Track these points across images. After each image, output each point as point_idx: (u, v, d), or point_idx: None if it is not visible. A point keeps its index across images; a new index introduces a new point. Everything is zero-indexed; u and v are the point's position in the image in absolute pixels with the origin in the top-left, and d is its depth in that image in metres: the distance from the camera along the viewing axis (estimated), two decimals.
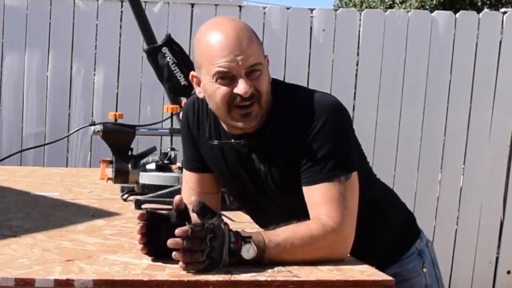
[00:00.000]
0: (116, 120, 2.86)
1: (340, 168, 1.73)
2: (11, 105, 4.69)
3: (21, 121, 4.71)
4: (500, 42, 4.90)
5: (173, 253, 1.50)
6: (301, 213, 1.72)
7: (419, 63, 4.84)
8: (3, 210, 2.24)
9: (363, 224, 1.77)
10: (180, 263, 1.51)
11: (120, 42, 4.75)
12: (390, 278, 1.54)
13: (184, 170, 2.05)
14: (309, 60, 4.83)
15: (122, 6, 4.69)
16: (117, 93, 4.76)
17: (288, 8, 4.84)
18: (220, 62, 1.73)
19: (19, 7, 4.65)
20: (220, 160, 1.92)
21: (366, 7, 14.96)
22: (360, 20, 4.83)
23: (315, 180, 1.73)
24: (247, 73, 1.74)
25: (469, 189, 4.92)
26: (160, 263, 1.58)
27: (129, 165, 2.66)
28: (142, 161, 2.67)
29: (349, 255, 1.71)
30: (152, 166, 2.63)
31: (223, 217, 1.64)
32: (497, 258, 5.01)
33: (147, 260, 1.61)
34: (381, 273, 1.58)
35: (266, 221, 1.83)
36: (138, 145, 3.52)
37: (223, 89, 1.75)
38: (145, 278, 1.46)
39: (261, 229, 1.78)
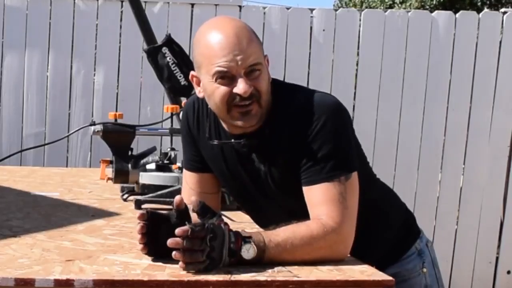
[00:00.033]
0: (116, 120, 2.86)
1: (340, 168, 1.74)
2: (11, 105, 4.69)
3: (21, 121, 4.71)
4: (500, 42, 4.90)
5: (173, 253, 1.50)
6: (301, 213, 1.72)
7: (419, 63, 4.84)
8: (3, 210, 2.24)
9: (363, 224, 1.77)
10: (180, 263, 1.51)
11: (120, 42, 4.75)
12: (390, 278, 1.54)
13: (184, 170, 2.05)
14: (309, 60, 4.83)
15: (122, 6, 4.69)
16: (117, 93, 4.76)
17: (288, 8, 4.84)
18: (220, 62, 1.73)
19: (19, 7, 4.65)
20: (220, 160, 1.92)
21: (366, 7, 14.96)
22: (360, 20, 4.83)
23: (315, 180, 1.74)
24: (247, 72, 1.74)
25: (469, 189, 4.92)
26: (160, 263, 1.58)
27: (129, 165, 2.66)
28: (142, 161, 2.67)
29: (349, 255, 1.71)
30: (152, 166, 2.63)
31: (223, 217, 1.64)
32: (497, 258, 5.01)
33: (147, 260, 1.61)
34: (381, 273, 1.58)
35: (266, 221, 1.83)
36: (138, 145, 3.52)
37: (222, 89, 1.75)
38: (145, 278, 1.46)
39: (261, 229, 1.78)
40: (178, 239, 1.50)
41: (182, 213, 1.63)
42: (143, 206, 2.26)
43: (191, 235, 1.50)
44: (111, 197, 2.61)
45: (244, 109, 1.76)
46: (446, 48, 4.84)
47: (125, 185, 2.65)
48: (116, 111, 3.82)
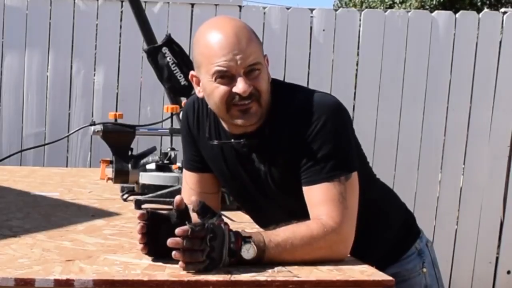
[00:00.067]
0: (116, 120, 2.86)
1: (340, 168, 1.74)
2: (11, 105, 4.69)
3: (21, 121, 4.71)
4: (500, 42, 4.90)
5: (173, 253, 1.50)
6: (301, 213, 1.72)
7: (419, 63, 4.84)
8: (3, 210, 2.24)
9: (363, 224, 1.77)
10: (180, 262, 1.51)
11: (120, 42, 4.75)
12: (390, 278, 1.54)
13: (184, 170, 2.05)
14: (309, 60, 4.83)
15: (122, 6, 4.69)
16: (117, 93, 4.76)
17: (288, 8, 4.84)
18: (219, 61, 1.73)
19: (19, 7, 4.65)
20: (220, 160, 1.92)
21: (366, 7, 14.96)
22: (360, 20, 4.83)
23: (315, 180, 1.74)
24: (246, 72, 1.74)
25: (469, 189, 4.92)
26: (160, 263, 1.58)
27: (129, 165, 2.66)
28: (142, 161, 2.67)
29: (349, 255, 1.71)
30: (152, 166, 2.63)
31: (223, 217, 1.64)
32: (497, 258, 5.01)
33: (147, 260, 1.61)
34: (381, 273, 1.58)
35: (266, 221, 1.83)
36: (138, 145, 3.52)
37: (222, 88, 1.75)
38: (145, 278, 1.46)
39: (261, 229, 1.78)
40: (178, 239, 1.50)
41: (182, 213, 1.63)
42: (143, 206, 2.26)
43: (191, 235, 1.50)
44: (111, 197, 2.61)
45: (244, 107, 1.76)
46: (446, 48, 4.84)
47: (125, 185, 2.65)
48: (116, 111, 3.82)
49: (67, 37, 4.68)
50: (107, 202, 2.48)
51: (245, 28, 1.78)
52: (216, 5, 4.73)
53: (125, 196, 2.54)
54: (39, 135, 4.68)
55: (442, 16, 4.90)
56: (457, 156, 4.91)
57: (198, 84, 1.84)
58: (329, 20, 4.81)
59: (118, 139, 2.76)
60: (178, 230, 1.50)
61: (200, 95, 1.86)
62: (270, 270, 1.54)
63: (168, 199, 2.24)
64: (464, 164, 4.93)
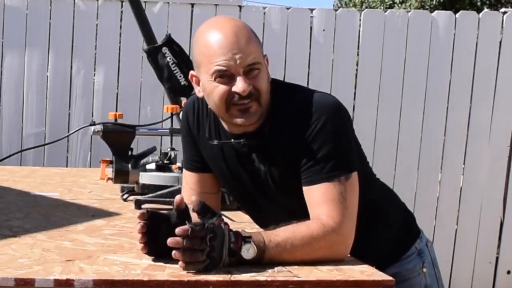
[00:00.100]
0: (116, 120, 2.86)
1: (340, 168, 1.74)
2: (11, 105, 4.70)
3: (21, 121, 4.71)
4: (500, 42, 4.90)
5: (173, 252, 1.50)
6: (301, 213, 1.72)
7: (419, 63, 4.84)
8: (3, 210, 2.24)
9: (363, 224, 1.77)
10: (180, 262, 1.51)
11: (120, 42, 4.75)
12: (390, 278, 1.54)
13: (184, 170, 2.05)
14: (309, 60, 4.83)
15: (122, 6, 4.69)
16: (117, 93, 4.76)
17: (288, 8, 4.84)
18: (219, 61, 1.73)
19: (19, 7, 4.65)
20: (220, 160, 1.92)
21: (366, 7, 14.95)
22: (360, 20, 4.83)
23: (315, 180, 1.74)
24: (246, 71, 1.74)
25: (469, 189, 4.92)
26: (160, 263, 1.58)
27: (129, 165, 2.66)
28: (142, 161, 2.67)
29: (349, 255, 1.71)
30: (152, 166, 2.63)
31: (223, 217, 1.64)
32: (497, 258, 5.01)
33: (147, 260, 1.61)
34: (381, 273, 1.58)
35: (266, 221, 1.83)
36: (138, 145, 3.53)
37: (221, 88, 1.75)
38: (145, 278, 1.46)
39: (261, 229, 1.78)
40: (178, 238, 1.50)
41: (182, 213, 1.63)
42: (143, 206, 2.26)
43: (191, 235, 1.50)
44: (111, 197, 2.61)
45: (243, 107, 1.76)
46: (446, 48, 4.84)
47: (125, 185, 2.65)
48: (116, 111, 3.82)
49: (67, 37, 4.68)
50: (107, 202, 2.48)
51: (245, 28, 1.78)
52: (216, 5, 4.73)
53: (125, 196, 2.54)
54: (39, 135, 4.68)
55: (442, 16, 4.90)
56: (457, 156, 4.91)
57: (198, 84, 1.84)
58: (329, 20, 4.81)
59: (118, 139, 2.76)
60: (178, 230, 1.50)
61: (200, 95, 1.86)
62: (270, 270, 1.54)
63: (168, 199, 2.24)
64: (464, 164, 4.93)
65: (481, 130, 4.89)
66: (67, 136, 4.19)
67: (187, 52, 3.12)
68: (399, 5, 14.79)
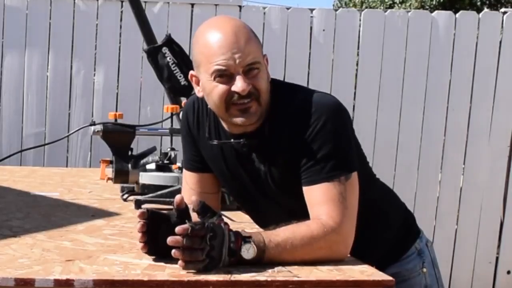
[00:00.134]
0: (116, 120, 2.86)
1: (340, 168, 1.74)
2: (11, 105, 4.70)
3: (21, 121, 4.71)
4: (500, 42, 4.90)
5: (173, 251, 1.50)
6: (301, 213, 1.72)
7: (419, 63, 4.85)
8: (3, 210, 2.24)
9: (363, 224, 1.77)
10: (180, 261, 1.50)
11: (120, 42, 4.75)
12: (390, 278, 1.54)
13: (184, 170, 2.06)
14: (309, 60, 4.83)
15: (122, 6, 4.69)
16: (117, 93, 4.76)
17: (288, 8, 4.84)
18: (218, 60, 1.73)
19: (19, 7, 4.65)
20: (220, 160, 1.92)
21: (366, 7, 14.95)
22: (360, 20, 4.83)
23: (315, 180, 1.74)
24: (245, 71, 1.74)
25: (469, 189, 4.92)
26: (160, 263, 1.58)
27: (129, 165, 2.66)
28: (142, 161, 2.67)
29: (349, 255, 1.71)
30: (152, 166, 2.63)
31: (223, 217, 1.64)
32: (497, 258, 5.01)
33: (147, 260, 1.61)
34: (381, 273, 1.58)
35: (266, 221, 1.83)
36: (138, 145, 3.53)
37: (221, 87, 1.75)
38: (145, 278, 1.46)
39: (261, 229, 1.78)
40: (178, 237, 1.50)
41: (183, 213, 1.63)
42: (143, 206, 2.26)
43: (191, 233, 1.50)
44: (111, 197, 2.61)
45: (243, 106, 1.76)
46: (446, 48, 4.84)
47: (125, 185, 2.65)
48: (116, 111, 3.82)
49: (67, 37, 4.68)
50: (107, 202, 2.48)
51: (244, 28, 1.78)
52: (216, 5, 4.73)
53: (125, 196, 2.54)
54: (39, 135, 4.68)
55: (442, 16, 4.90)
56: (457, 156, 4.91)
57: (197, 83, 1.85)
58: (329, 20, 4.81)
59: (118, 139, 2.77)
60: (178, 228, 1.50)
61: (199, 94, 1.86)
62: (270, 270, 1.54)
63: (168, 199, 2.24)
64: (464, 164, 4.93)
65: (481, 130, 4.89)
66: (67, 136, 4.19)
67: (187, 52, 3.12)
68: (399, 5, 14.78)
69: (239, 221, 2.08)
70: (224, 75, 1.74)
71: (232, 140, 1.86)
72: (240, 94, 1.74)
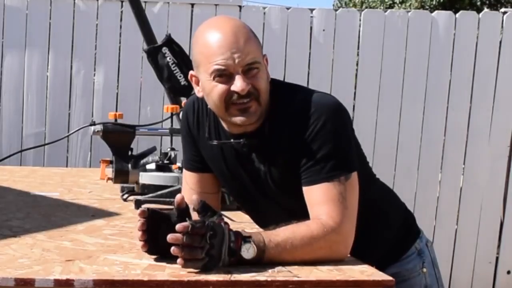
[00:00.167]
0: (116, 120, 2.86)
1: (340, 168, 1.74)
2: (11, 105, 4.70)
3: (21, 121, 4.71)
4: (500, 42, 4.90)
5: (172, 248, 1.49)
6: (301, 213, 1.72)
7: (419, 63, 4.85)
8: (3, 210, 2.24)
9: (363, 224, 1.77)
10: (179, 259, 1.50)
11: (120, 42, 4.75)
12: (390, 278, 1.54)
13: (184, 170, 2.06)
14: (309, 60, 4.83)
15: (122, 6, 4.69)
16: (117, 93, 4.76)
17: (288, 8, 4.84)
18: (217, 60, 1.73)
19: (19, 7, 4.65)
20: (220, 160, 1.92)
21: (366, 7, 14.95)
22: (360, 20, 4.83)
23: (315, 180, 1.74)
24: (244, 71, 1.74)
25: (469, 189, 4.92)
26: (160, 263, 1.58)
27: (129, 165, 2.66)
28: (142, 161, 2.67)
29: (349, 255, 1.71)
30: (152, 166, 2.63)
31: (223, 217, 1.64)
32: (497, 258, 5.01)
33: (147, 260, 1.61)
34: (381, 273, 1.58)
35: (266, 221, 1.83)
36: (138, 145, 3.52)
37: (220, 87, 1.75)
38: (145, 278, 1.46)
39: (261, 229, 1.78)
40: (178, 234, 1.49)
41: (183, 212, 1.63)
42: (143, 206, 2.26)
43: (191, 231, 1.49)
44: (111, 197, 2.61)
45: (243, 106, 1.76)
46: (446, 48, 4.84)
47: (125, 185, 2.65)
48: (116, 111, 3.82)
49: (67, 37, 4.68)
50: (107, 202, 2.48)
51: (244, 28, 1.78)
52: (216, 5, 4.73)
53: (125, 196, 2.54)
54: (39, 135, 4.68)
55: (442, 16, 4.90)
56: (457, 156, 4.91)
57: (197, 84, 1.85)
58: (329, 20, 4.81)
59: (118, 139, 2.77)
60: (178, 226, 1.50)
61: (199, 94, 1.86)
62: (270, 270, 1.54)
63: (168, 199, 2.24)
64: (464, 164, 4.93)
65: (481, 130, 4.89)
66: (67, 136, 4.19)
67: (187, 52, 3.12)
68: (399, 5, 14.78)
69: (239, 221, 2.08)
70: (224, 75, 1.74)
71: (232, 140, 1.86)
72: (240, 93, 1.74)
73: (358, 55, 4.91)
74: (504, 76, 4.87)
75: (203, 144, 1.95)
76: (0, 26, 4.66)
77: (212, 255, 1.51)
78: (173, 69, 2.98)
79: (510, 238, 4.99)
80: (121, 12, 4.71)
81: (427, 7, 13.78)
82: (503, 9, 5.36)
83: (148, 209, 1.62)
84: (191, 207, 1.64)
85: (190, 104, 1.99)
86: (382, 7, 14.87)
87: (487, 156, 4.89)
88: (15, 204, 2.39)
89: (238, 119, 1.78)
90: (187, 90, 2.88)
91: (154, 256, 1.62)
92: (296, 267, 1.58)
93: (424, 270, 2.05)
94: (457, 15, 4.88)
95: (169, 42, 3.01)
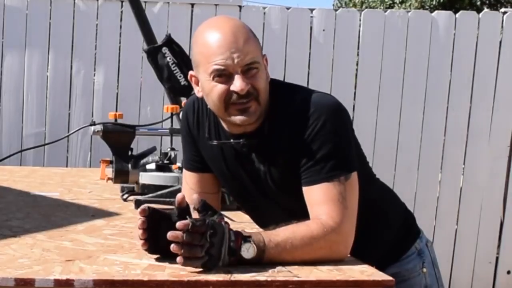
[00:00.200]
0: (116, 120, 2.86)
1: (340, 168, 1.74)
2: (11, 105, 4.70)
3: (21, 121, 4.71)
4: (500, 42, 4.90)
5: (172, 245, 1.49)
6: (301, 213, 1.72)
7: (419, 63, 4.85)
8: (3, 210, 2.24)
9: (363, 224, 1.77)
10: (178, 258, 1.50)
11: (120, 42, 4.75)
12: (390, 278, 1.54)
13: (184, 170, 2.06)
14: (309, 60, 4.83)
15: (122, 6, 4.69)
16: (117, 93, 4.76)
17: (288, 8, 4.84)
18: (217, 60, 1.73)
19: (19, 7, 4.65)
20: (220, 160, 1.92)
21: (366, 7, 14.95)
22: (360, 20, 4.83)
23: (315, 180, 1.74)
24: (244, 71, 1.74)
25: (469, 189, 4.92)
26: (160, 263, 1.58)
27: (129, 165, 2.66)
28: (142, 161, 2.67)
29: (349, 255, 1.71)
30: (152, 166, 2.63)
31: (223, 216, 1.64)
32: (497, 258, 5.01)
33: (147, 260, 1.61)
34: (381, 273, 1.58)
35: (266, 221, 1.83)
36: (138, 145, 3.52)
37: (220, 87, 1.75)
38: (145, 278, 1.46)
39: (261, 229, 1.78)
40: (178, 232, 1.49)
41: (184, 211, 1.63)
42: (143, 205, 2.26)
43: (191, 229, 1.49)
44: (111, 197, 2.61)
45: (242, 106, 1.76)
46: (446, 48, 4.84)
47: (125, 185, 2.65)
48: (116, 111, 3.82)
49: (67, 37, 4.68)
50: (107, 202, 2.48)
51: (243, 28, 1.78)
52: (216, 5, 4.73)
53: (125, 196, 2.54)
54: (39, 135, 4.68)
55: (442, 16, 4.90)
56: (457, 156, 4.91)
57: (197, 84, 1.85)
58: (329, 20, 4.81)
59: (118, 139, 2.77)
60: (179, 224, 1.50)
61: (199, 95, 1.86)
62: (270, 270, 1.54)
63: (168, 199, 2.24)
64: (464, 164, 4.93)
65: (481, 130, 4.89)
66: (67, 136, 4.19)
67: (187, 52, 3.12)
68: (399, 5, 14.78)
69: (239, 221, 2.08)
70: (223, 75, 1.74)
71: (231, 140, 1.86)
72: (239, 93, 1.74)
73: (358, 55, 4.91)
74: (504, 76, 4.87)
75: (203, 144, 1.95)
76: (0, 26, 4.66)
77: (211, 254, 1.51)
78: (173, 69, 2.98)
79: (510, 238, 4.99)
80: (121, 12, 4.71)
81: (427, 7, 13.78)
82: (503, 9, 5.36)
83: (149, 207, 1.62)
84: (191, 207, 1.64)
85: (190, 104, 1.99)
86: (382, 7, 14.86)
87: (487, 156, 4.89)
88: (15, 204, 2.39)
89: (238, 119, 1.78)
90: (187, 90, 2.88)
91: (154, 256, 1.62)
92: (296, 267, 1.58)
93: (424, 270, 2.06)
94: (457, 15, 4.88)
95: (169, 42, 3.01)
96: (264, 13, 4.81)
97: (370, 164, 2.07)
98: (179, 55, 3.00)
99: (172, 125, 2.80)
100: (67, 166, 4.61)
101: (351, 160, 1.78)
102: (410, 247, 2.06)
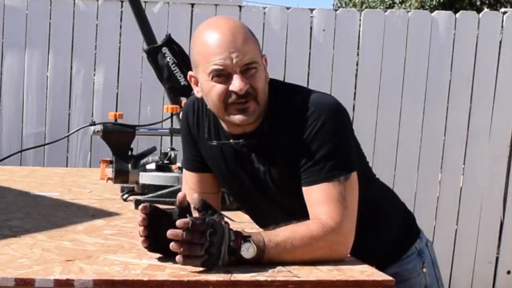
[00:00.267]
0: (116, 120, 2.86)
1: (339, 168, 1.74)
2: (11, 105, 4.70)
3: (21, 121, 4.71)
4: (500, 42, 4.90)
5: (171, 244, 1.49)
6: (301, 213, 1.72)
7: (419, 63, 4.85)
8: (3, 210, 2.24)
9: (362, 224, 1.77)
10: (178, 257, 1.50)
11: (120, 42, 4.75)
12: (390, 278, 1.54)
13: (184, 170, 2.06)
14: (309, 60, 4.83)
15: (122, 6, 4.69)
16: (117, 93, 4.76)
17: (288, 8, 4.84)
18: (216, 60, 1.73)
19: (19, 7, 4.65)
20: (220, 160, 1.92)
21: (366, 7, 14.95)
22: (360, 20, 4.83)
23: (315, 180, 1.74)
24: (242, 71, 1.74)
25: (469, 189, 4.92)
26: (160, 263, 1.58)
27: (129, 165, 2.66)
28: (142, 161, 2.67)
29: (349, 255, 1.71)
30: (152, 166, 2.63)
31: (223, 216, 1.64)
32: (497, 258, 5.01)
33: (147, 260, 1.61)
34: (381, 273, 1.58)
35: (266, 221, 1.83)
36: (138, 145, 3.52)
37: (219, 87, 1.75)
38: (145, 278, 1.46)
39: (261, 229, 1.78)
40: (178, 230, 1.49)
41: (184, 211, 1.63)
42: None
43: (191, 228, 1.49)
44: (111, 197, 2.61)
45: (241, 106, 1.76)
46: (446, 48, 4.84)
47: (125, 185, 2.65)
48: (116, 111, 3.82)
49: (67, 37, 4.68)
50: (107, 202, 2.48)
51: (242, 28, 1.78)
52: (216, 5, 4.73)
53: (125, 196, 2.54)
54: (39, 135, 4.68)
55: (442, 16, 4.90)
56: (457, 156, 4.91)
57: (196, 84, 1.85)
58: (329, 20, 4.81)
59: (118, 139, 2.77)
60: (179, 222, 1.49)
61: (198, 95, 1.86)
62: (270, 270, 1.54)
63: (168, 199, 2.24)
64: (464, 164, 4.93)
65: (481, 130, 4.89)
66: (67, 136, 4.19)
67: (187, 52, 3.11)
68: (399, 5, 14.78)
69: (239, 221, 2.08)
70: (222, 75, 1.74)
71: (231, 140, 1.86)
72: (238, 93, 1.74)
73: (358, 55, 4.91)
74: (504, 76, 4.87)
75: (203, 144, 1.95)
76: (0, 26, 4.66)
77: (211, 252, 1.51)
78: (173, 69, 2.98)
79: (510, 238, 4.99)
80: (121, 12, 4.71)
81: (427, 7, 13.78)
82: (503, 9, 5.36)
83: (150, 205, 1.62)
84: (192, 206, 1.64)
85: (190, 104, 1.99)
86: (382, 7, 14.86)
87: (487, 156, 4.89)
88: (15, 204, 2.39)
89: (237, 119, 1.78)
90: (187, 90, 2.88)
91: (154, 256, 1.62)
92: (296, 267, 1.58)
93: (424, 270, 2.06)
94: (457, 15, 4.88)
95: (169, 42, 3.01)
96: (264, 13, 4.81)
97: (370, 164, 2.07)
98: (179, 55, 3.00)
99: (172, 125, 2.80)
100: (67, 166, 4.61)
101: (351, 160, 1.78)
102: (410, 247, 2.06)
